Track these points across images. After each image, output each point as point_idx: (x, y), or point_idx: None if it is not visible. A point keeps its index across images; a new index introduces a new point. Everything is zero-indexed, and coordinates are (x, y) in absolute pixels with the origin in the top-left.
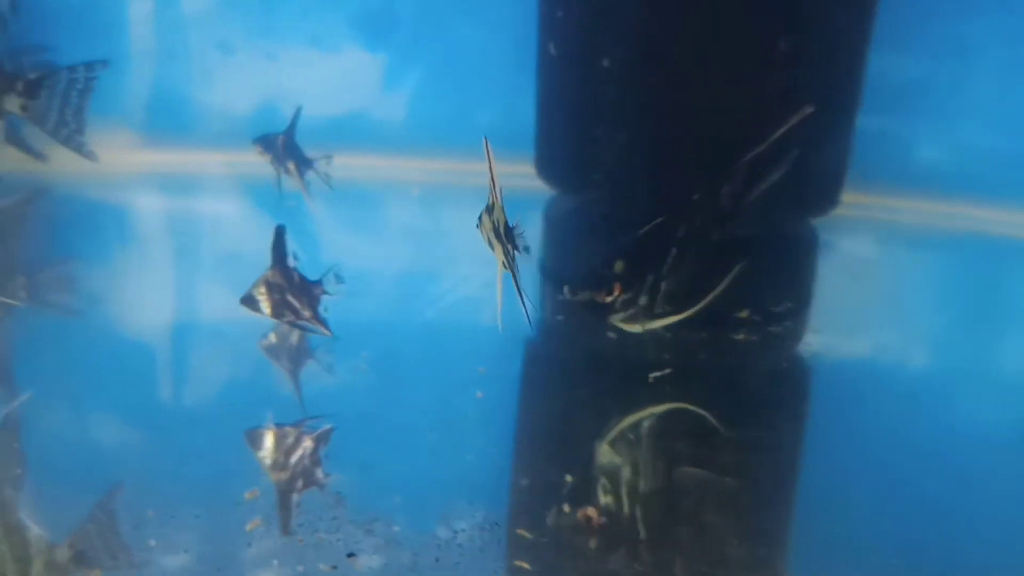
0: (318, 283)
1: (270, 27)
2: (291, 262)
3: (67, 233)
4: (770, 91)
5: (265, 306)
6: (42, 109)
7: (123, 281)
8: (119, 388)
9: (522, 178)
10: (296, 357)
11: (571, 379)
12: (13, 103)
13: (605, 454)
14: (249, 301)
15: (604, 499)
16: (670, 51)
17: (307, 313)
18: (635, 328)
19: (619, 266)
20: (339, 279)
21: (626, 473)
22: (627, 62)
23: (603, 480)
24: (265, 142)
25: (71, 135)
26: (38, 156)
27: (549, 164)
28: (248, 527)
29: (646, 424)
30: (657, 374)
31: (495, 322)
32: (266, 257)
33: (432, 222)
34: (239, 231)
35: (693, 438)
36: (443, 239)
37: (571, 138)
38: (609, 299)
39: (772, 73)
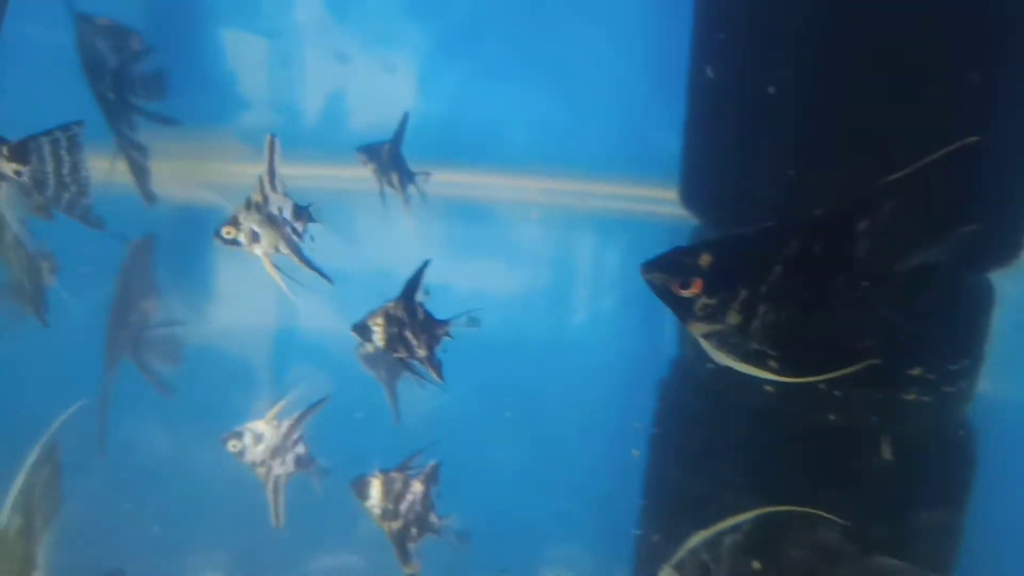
0: (444, 323)
1: (385, 38)
2: (420, 297)
3: (175, 243)
4: (955, 128)
5: (379, 337)
6: (39, 174)
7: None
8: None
9: (651, 202)
10: (394, 368)
11: (714, 435)
12: (7, 167)
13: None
14: (362, 330)
15: None
16: (845, 80)
17: (422, 352)
18: (730, 361)
19: (705, 259)
20: (474, 322)
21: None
22: (796, 89)
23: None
24: (370, 151)
25: (74, 200)
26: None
27: (698, 193)
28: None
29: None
30: None
31: (614, 356)
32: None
33: (552, 245)
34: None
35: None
36: (562, 263)
37: (726, 167)
38: (685, 293)
39: (958, 108)
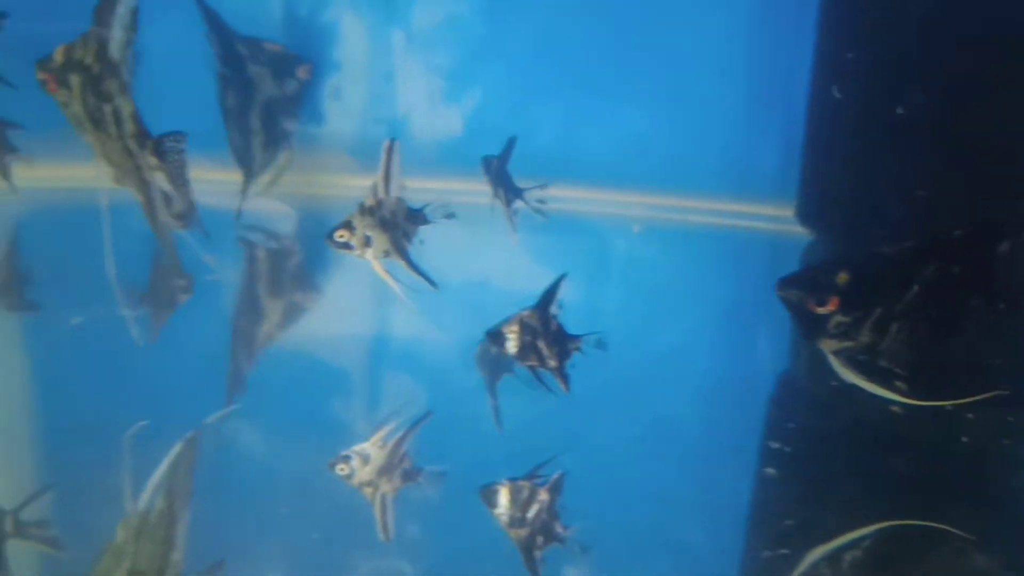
0: (576, 338)
1: (486, 55)
2: (555, 310)
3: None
4: None
5: (512, 345)
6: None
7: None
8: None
9: (752, 218)
10: (495, 369)
11: (832, 453)
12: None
13: None
14: (496, 337)
15: None
16: (979, 101)
17: (553, 363)
18: (854, 378)
19: (842, 278)
20: (602, 346)
21: None
22: (928, 110)
23: None
24: (486, 163)
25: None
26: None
27: (819, 211)
28: None
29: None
30: None
31: (711, 371)
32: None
33: (651, 259)
34: (457, 257)
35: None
36: (661, 277)
37: (852, 186)
38: (820, 310)
39: None
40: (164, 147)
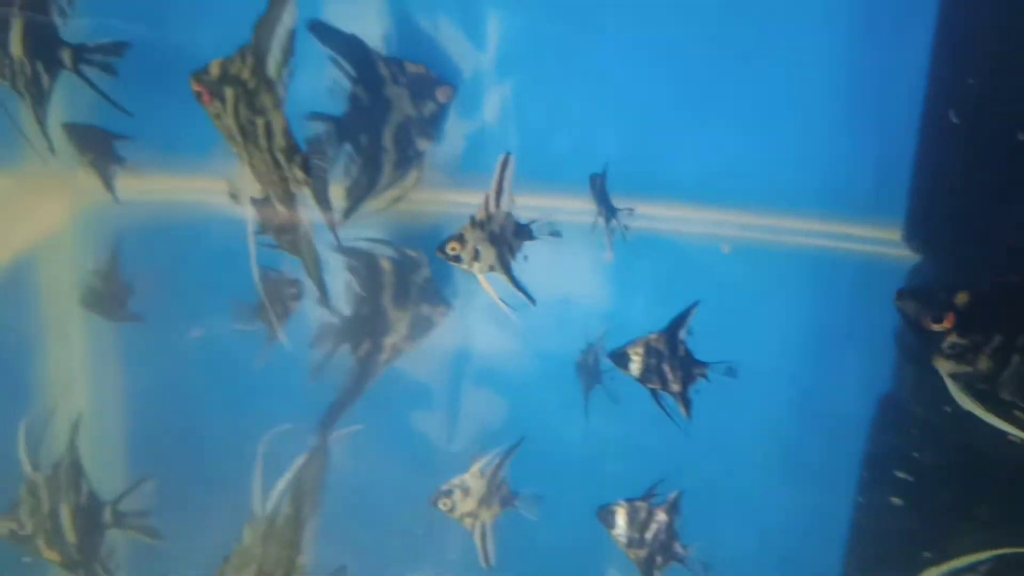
0: (704, 364)
1: (586, 73)
2: (683, 335)
3: None
4: None
5: (635, 367)
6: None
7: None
8: None
9: (844, 239)
10: (589, 378)
11: (941, 480)
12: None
13: None
14: (619, 357)
15: None
16: None
17: (676, 388)
18: (971, 405)
19: (961, 298)
20: (731, 373)
21: None
22: None
23: None
24: (592, 181)
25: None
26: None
27: (931, 235)
28: None
29: None
30: None
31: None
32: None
33: (741, 279)
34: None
35: None
36: (750, 296)
37: (964, 211)
38: (935, 327)
39: None
40: (311, 163)
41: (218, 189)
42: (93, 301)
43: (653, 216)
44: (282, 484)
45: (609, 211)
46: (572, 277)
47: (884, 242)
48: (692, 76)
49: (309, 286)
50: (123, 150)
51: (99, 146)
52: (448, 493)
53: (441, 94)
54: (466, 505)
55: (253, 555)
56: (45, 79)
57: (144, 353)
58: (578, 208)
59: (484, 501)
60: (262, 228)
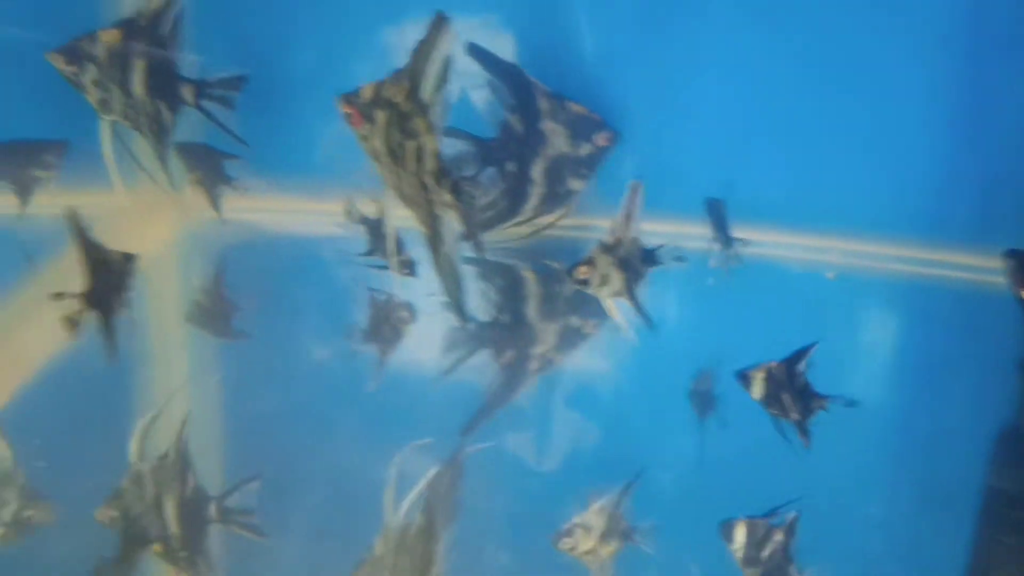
0: (824, 397)
1: (698, 100)
2: (802, 367)
3: None
4: None
5: (757, 390)
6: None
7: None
8: None
9: (950, 267)
10: (702, 406)
11: None
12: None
13: None
14: (744, 378)
15: None
16: None
17: (795, 416)
18: None
19: None
20: (852, 405)
21: None
22: None
23: None
24: (709, 205)
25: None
26: None
27: None
28: None
29: None
30: None
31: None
32: None
33: (846, 306)
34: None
35: None
36: (856, 324)
37: None
38: None
39: None
40: (461, 188)
41: (324, 210)
42: (198, 317)
43: (758, 242)
44: (412, 496)
45: (726, 240)
46: (682, 302)
47: (989, 270)
48: (793, 102)
49: (423, 307)
50: (231, 169)
51: (207, 165)
52: (569, 532)
53: (601, 138)
54: (587, 543)
55: (384, 565)
56: (167, 116)
57: (248, 370)
58: (684, 233)
59: (604, 537)
60: (373, 250)
